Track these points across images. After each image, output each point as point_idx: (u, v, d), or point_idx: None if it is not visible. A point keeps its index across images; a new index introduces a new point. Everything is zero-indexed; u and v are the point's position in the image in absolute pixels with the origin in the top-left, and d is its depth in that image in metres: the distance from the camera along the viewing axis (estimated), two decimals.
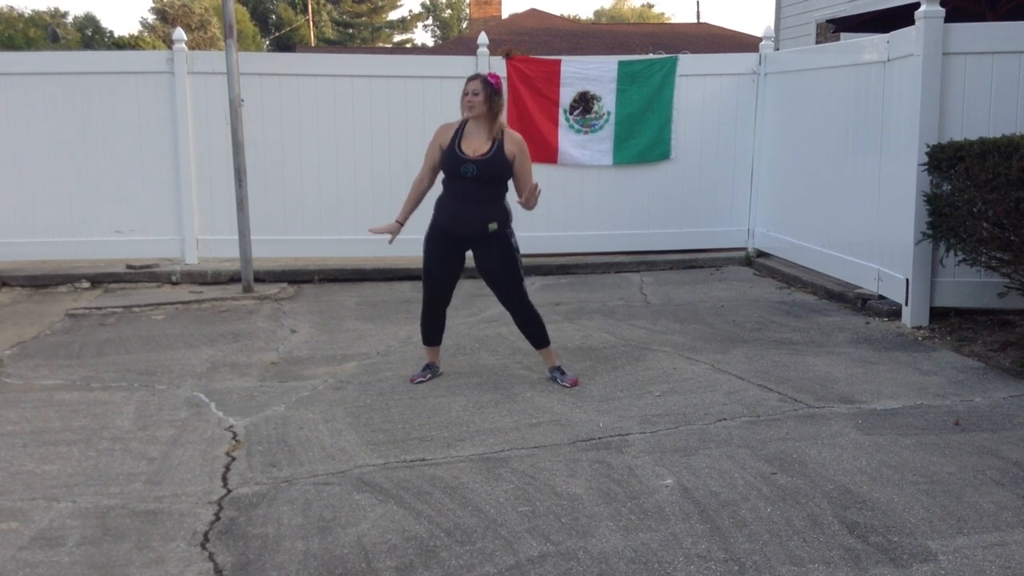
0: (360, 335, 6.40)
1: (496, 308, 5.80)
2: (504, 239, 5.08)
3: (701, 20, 35.84)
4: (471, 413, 4.73)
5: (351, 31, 55.33)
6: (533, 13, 25.46)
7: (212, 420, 4.64)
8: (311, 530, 3.43)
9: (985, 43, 6.31)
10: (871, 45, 7.10)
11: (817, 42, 13.73)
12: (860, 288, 7.18)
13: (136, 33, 44.05)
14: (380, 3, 55.64)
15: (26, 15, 42.71)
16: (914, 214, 6.35)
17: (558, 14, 28.66)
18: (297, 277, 8.28)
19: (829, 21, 11.77)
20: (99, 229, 8.38)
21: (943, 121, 6.32)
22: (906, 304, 6.55)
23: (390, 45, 52.87)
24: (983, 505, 3.62)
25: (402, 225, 5.18)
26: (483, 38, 8.70)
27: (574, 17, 48.09)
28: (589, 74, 8.76)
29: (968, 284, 6.48)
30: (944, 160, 5.97)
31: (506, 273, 5.11)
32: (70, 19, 48.31)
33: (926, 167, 6.17)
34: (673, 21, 48.83)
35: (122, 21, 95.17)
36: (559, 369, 5.27)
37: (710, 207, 9.15)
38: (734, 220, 9.20)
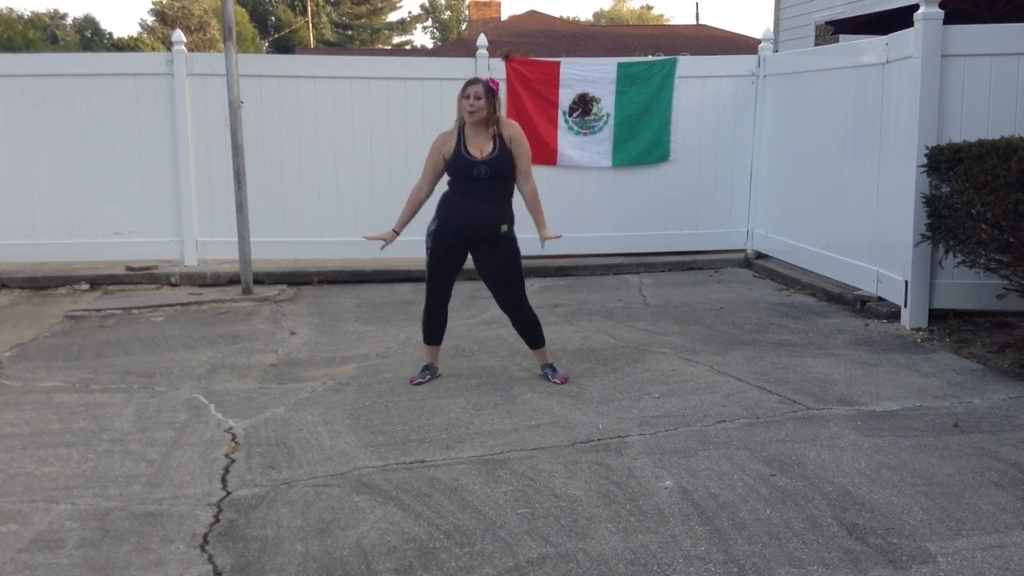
0: (359, 337, 6.40)
1: (495, 310, 5.79)
2: (511, 241, 5.17)
3: (700, 22, 35.81)
4: (470, 415, 4.73)
5: (350, 33, 55.35)
6: (532, 15, 25.47)
7: (211, 422, 4.64)
8: (310, 532, 3.43)
9: (984, 45, 6.32)
10: (870, 47, 7.11)
11: (816, 44, 13.73)
12: (859, 290, 7.19)
13: (135, 35, 44.12)
14: (379, 5, 55.67)
15: (25, 17, 42.75)
16: (913, 216, 6.35)
17: (557, 16, 28.68)
18: (296, 279, 8.28)
19: (828, 23, 11.77)
20: (98, 231, 8.38)
21: (942, 123, 6.33)
22: (905, 306, 6.55)
23: (389, 47, 52.84)
24: (982, 507, 3.62)
25: (398, 234, 5.23)
26: (482, 40, 8.71)
27: (573, 19, 48.11)
28: (588, 76, 8.77)
29: (967, 286, 6.49)
30: (943, 162, 5.98)
31: (508, 274, 5.16)
32: (69, 21, 48.39)
33: (925, 169, 6.17)
34: (672, 23, 48.87)
35: (121, 23, 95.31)
36: (551, 366, 5.35)
37: (709, 209, 9.15)
38: (733, 222, 9.21)
